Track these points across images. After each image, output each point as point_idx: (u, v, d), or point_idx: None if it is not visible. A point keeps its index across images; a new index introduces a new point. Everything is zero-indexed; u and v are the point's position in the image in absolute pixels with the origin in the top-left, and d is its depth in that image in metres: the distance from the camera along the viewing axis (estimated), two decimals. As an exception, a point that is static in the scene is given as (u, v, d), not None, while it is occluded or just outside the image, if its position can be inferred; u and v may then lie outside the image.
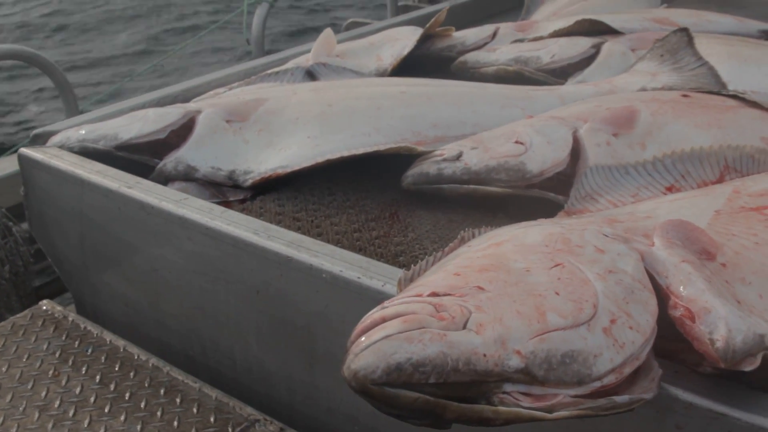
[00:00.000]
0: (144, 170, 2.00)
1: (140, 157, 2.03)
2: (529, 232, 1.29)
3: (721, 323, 1.13)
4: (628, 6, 3.43)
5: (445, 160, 1.86)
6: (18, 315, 1.97)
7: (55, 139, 2.12)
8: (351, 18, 5.26)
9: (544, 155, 1.82)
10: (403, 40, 2.73)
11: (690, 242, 1.32)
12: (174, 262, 1.78)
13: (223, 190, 1.97)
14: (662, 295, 1.21)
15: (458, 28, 3.01)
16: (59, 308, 1.97)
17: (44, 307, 1.98)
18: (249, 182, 1.95)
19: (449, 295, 1.09)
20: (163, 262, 1.81)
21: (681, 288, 1.20)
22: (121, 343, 1.83)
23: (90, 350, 1.82)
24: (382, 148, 1.94)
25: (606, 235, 1.28)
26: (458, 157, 1.86)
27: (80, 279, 2.13)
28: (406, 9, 5.24)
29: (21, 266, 2.58)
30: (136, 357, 1.78)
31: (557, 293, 1.10)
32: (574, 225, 1.33)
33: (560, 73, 2.49)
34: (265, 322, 1.65)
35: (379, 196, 1.95)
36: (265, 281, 1.60)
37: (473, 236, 1.38)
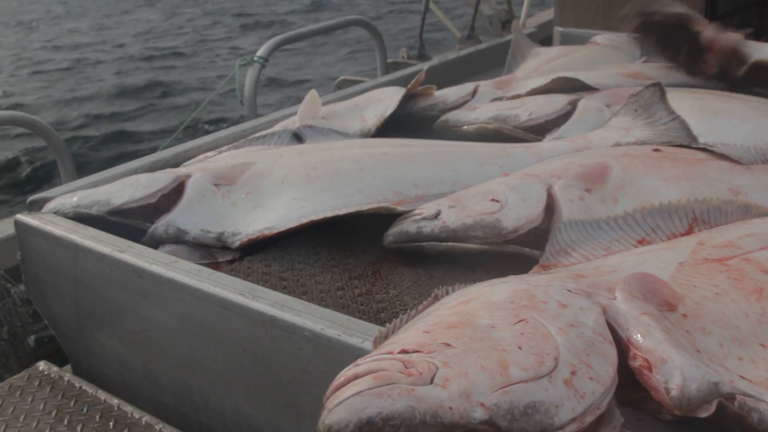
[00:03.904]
0: (136, 234, 2.07)
1: (132, 221, 2.11)
2: (496, 290, 1.36)
3: (676, 372, 1.20)
4: (607, 62, 3.53)
5: (424, 218, 1.94)
6: (15, 376, 2.03)
7: (51, 205, 2.20)
8: (342, 76, 5.40)
9: (519, 212, 1.90)
10: (386, 100, 2.82)
11: (651, 294, 1.39)
12: (165, 322, 1.85)
13: (213, 251, 2.04)
14: (623, 347, 1.28)
15: (444, 85, 3.11)
16: (55, 369, 2.03)
17: (41, 368, 2.04)
18: (237, 244, 2.03)
19: (418, 351, 1.16)
20: (154, 322, 1.88)
21: (640, 339, 1.27)
22: (115, 401, 1.88)
23: (85, 409, 1.88)
24: (363, 208, 2.01)
25: (569, 291, 1.36)
26: (436, 215, 1.93)
27: (75, 340, 2.19)
28: (396, 66, 5.37)
29: (19, 327, 2.65)
30: (129, 415, 1.84)
31: (520, 348, 1.17)
32: (539, 281, 1.40)
33: (538, 130, 2.58)
34: (252, 379, 1.71)
35: (363, 255, 2.02)
36: (252, 340, 1.67)
37: (446, 293, 1.46)
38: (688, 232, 1.90)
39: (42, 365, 2.05)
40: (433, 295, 1.45)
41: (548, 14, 6.93)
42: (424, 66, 3.42)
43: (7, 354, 2.63)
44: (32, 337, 2.73)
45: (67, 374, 2.01)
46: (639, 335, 1.27)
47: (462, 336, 1.20)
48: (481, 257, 1.90)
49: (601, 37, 3.97)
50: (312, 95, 2.72)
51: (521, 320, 1.24)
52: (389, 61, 5.44)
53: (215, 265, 1.97)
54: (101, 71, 15.33)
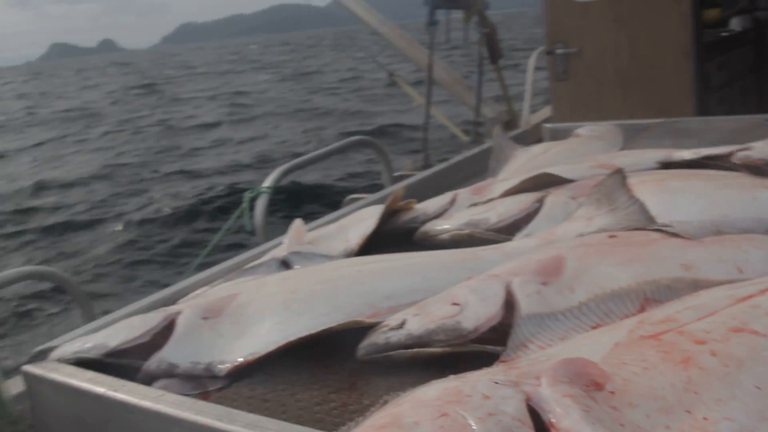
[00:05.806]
0: (133, 372, 2.22)
1: (127, 361, 2.26)
2: (428, 390, 1.49)
3: (588, 448, 1.30)
4: (588, 153, 3.68)
5: (391, 329, 2.07)
6: None
7: (55, 354, 2.36)
8: (350, 195, 5.60)
9: (478, 313, 2.02)
10: (369, 219, 2.98)
11: (578, 377, 1.50)
12: (157, 453, 1.99)
13: (203, 381, 2.18)
14: (546, 429, 1.39)
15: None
16: None
17: None
18: (224, 372, 2.16)
19: (348, 452, 1.29)
20: (148, 455, 2.02)
21: (559, 420, 1.37)
22: None
23: None
24: (334, 325, 2.15)
25: (497, 383, 1.47)
26: (402, 325, 2.06)
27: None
28: (403, 178, 5.56)
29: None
30: None
31: (438, 440, 1.29)
32: (472, 377, 1.53)
33: (508, 230, 2.72)
34: (238, 499, 1.83)
35: (341, 369, 2.14)
36: (230, 459, 1.79)
37: (394, 398, 1.58)
38: (641, 313, 2.00)
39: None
40: (382, 400, 1.58)
41: (548, 111, 7.15)
42: (402, 185, 3.60)
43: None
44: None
45: None
46: (559, 416, 1.38)
47: (387, 435, 1.32)
48: (448, 359, 2.01)
49: (584, 129, 4.14)
50: (297, 224, 2.90)
51: (443, 414, 1.36)
52: (395, 174, 5.64)
53: (205, 395, 2.11)
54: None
